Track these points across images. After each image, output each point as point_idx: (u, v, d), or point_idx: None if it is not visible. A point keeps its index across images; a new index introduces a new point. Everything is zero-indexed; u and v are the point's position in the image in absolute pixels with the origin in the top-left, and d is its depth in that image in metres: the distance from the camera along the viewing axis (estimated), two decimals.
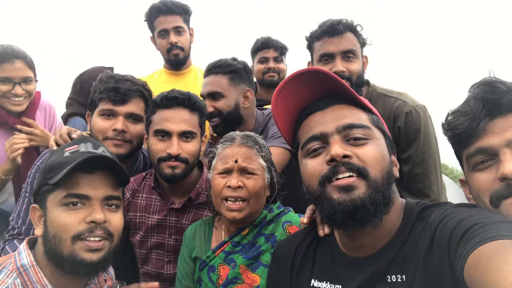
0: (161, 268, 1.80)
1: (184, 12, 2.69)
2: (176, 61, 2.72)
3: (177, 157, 1.67)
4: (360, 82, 1.97)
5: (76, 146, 1.21)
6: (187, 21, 2.72)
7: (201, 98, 2.16)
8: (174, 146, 1.66)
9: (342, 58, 1.92)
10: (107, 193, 1.18)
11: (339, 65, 1.90)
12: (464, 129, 1.01)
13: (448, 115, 1.09)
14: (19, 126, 2.13)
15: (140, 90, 1.91)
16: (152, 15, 2.66)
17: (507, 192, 0.95)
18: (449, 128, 1.06)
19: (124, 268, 1.96)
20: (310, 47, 2.06)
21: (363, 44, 2.00)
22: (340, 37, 1.92)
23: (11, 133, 2.14)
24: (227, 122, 2.10)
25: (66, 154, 1.18)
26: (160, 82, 2.75)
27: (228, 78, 2.10)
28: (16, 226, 1.77)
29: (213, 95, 2.09)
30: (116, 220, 1.21)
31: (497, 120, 0.98)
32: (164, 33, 2.65)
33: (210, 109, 2.05)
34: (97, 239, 1.14)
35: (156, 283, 1.45)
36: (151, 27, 2.71)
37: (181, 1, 2.72)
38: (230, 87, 2.10)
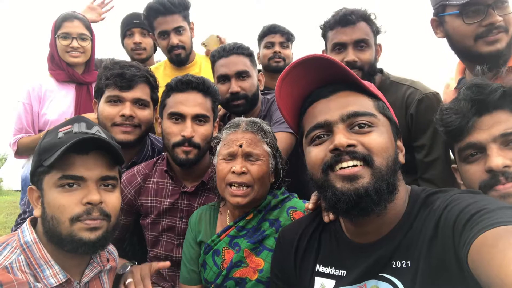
0: (170, 251, 1.82)
1: (183, 9, 2.61)
2: (178, 60, 2.69)
3: (190, 141, 1.69)
4: (372, 71, 1.96)
5: (69, 126, 1.20)
6: (186, 18, 2.66)
7: (214, 81, 2.16)
8: (188, 129, 1.69)
9: (354, 47, 1.92)
10: (102, 174, 1.18)
11: (351, 55, 1.91)
12: (456, 126, 1.17)
13: (441, 111, 1.24)
14: None
15: (145, 75, 1.92)
16: (151, 16, 2.59)
17: (493, 182, 1.10)
18: (442, 124, 1.22)
19: (132, 252, 2.00)
20: (324, 35, 2.08)
21: (376, 32, 1.99)
22: (353, 27, 1.91)
23: (76, 89, 2.57)
24: (251, 104, 2.13)
25: (60, 135, 1.17)
26: (165, 76, 2.73)
27: (249, 59, 2.13)
28: (27, 210, 1.82)
29: (241, 74, 2.09)
30: (112, 200, 1.21)
31: (484, 117, 1.14)
32: (165, 34, 2.60)
33: (236, 89, 2.06)
34: (95, 219, 1.15)
35: (168, 262, 1.48)
36: (151, 27, 2.66)
37: None
38: (252, 68, 2.14)
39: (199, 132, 1.72)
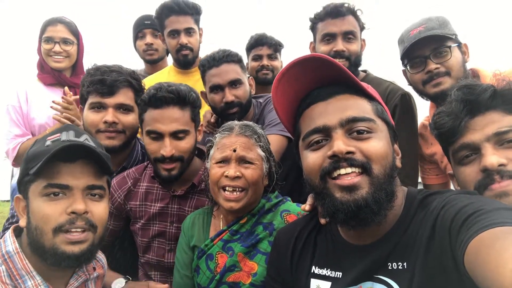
0: (162, 257, 1.79)
1: (196, 13, 2.65)
2: (185, 62, 2.69)
3: (171, 158, 1.64)
4: (357, 62, 2.13)
5: (58, 135, 1.17)
6: (197, 22, 2.69)
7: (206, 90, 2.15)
8: (167, 148, 1.62)
9: (343, 38, 2.07)
10: (88, 183, 1.15)
11: (340, 45, 2.05)
12: (449, 127, 1.16)
13: (434, 115, 1.23)
14: (66, 90, 2.25)
15: (127, 80, 1.88)
16: (163, 14, 2.61)
17: (487, 182, 1.08)
18: (435, 127, 1.21)
19: (122, 258, 1.97)
20: (313, 28, 2.20)
21: (362, 28, 2.15)
22: (342, 19, 2.06)
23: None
24: (245, 110, 2.14)
25: (48, 143, 1.14)
26: (170, 81, 2.71)
27: (239, 66, 2.13)
28: (15, 214, 1.77)
29: (234, 83, 2.08)
30: (99, 210, 1.17)
31: (477, 118, 1.13)
32: (175, 33, 2.61)
33: (231, 98, 2.05)
34: (78, 230, 1.11)
35: (166, 285, 1.48)
36: (161, 25, 2.68)
37: (192, 1, 2.67)
38: (243, 74, 2.14)
39: (180, 147, 1.66)
